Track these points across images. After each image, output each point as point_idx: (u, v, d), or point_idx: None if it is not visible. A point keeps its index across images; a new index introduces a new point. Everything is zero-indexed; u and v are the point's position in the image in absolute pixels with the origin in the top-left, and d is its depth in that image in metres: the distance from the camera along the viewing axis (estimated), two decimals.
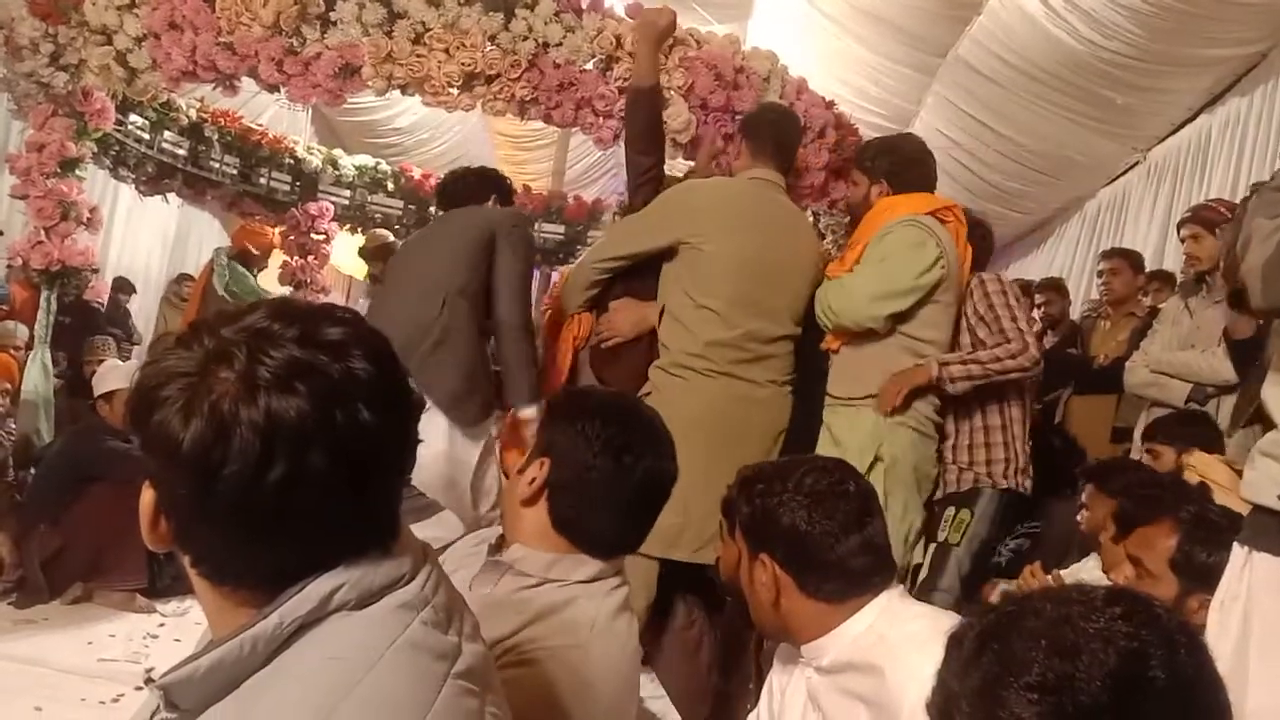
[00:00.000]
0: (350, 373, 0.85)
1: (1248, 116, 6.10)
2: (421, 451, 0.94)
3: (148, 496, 0.88)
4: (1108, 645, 0.84)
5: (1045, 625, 0.87)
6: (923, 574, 2.92)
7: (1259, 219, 1.43)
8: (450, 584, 1.00)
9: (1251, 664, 1.40)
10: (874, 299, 2.80)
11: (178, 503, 0.85)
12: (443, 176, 3.95)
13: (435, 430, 2.96)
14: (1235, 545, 1.56)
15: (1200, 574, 1.82)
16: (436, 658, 0.89)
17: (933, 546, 2.93)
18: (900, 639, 1.50)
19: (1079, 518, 2.85)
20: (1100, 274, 4.78)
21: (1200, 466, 2.53)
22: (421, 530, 2.21)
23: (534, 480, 1.54)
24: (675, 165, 4.11)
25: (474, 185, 3.61)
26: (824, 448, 2.85)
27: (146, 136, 6.27)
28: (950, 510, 2.94)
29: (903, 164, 3.04)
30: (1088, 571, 2.83)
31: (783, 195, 3.07)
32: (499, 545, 1.60)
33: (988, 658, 0.88)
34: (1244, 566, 1.50)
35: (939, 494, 2.99)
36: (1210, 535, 1.84)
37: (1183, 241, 3.78)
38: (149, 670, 3.34)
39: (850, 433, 2.82)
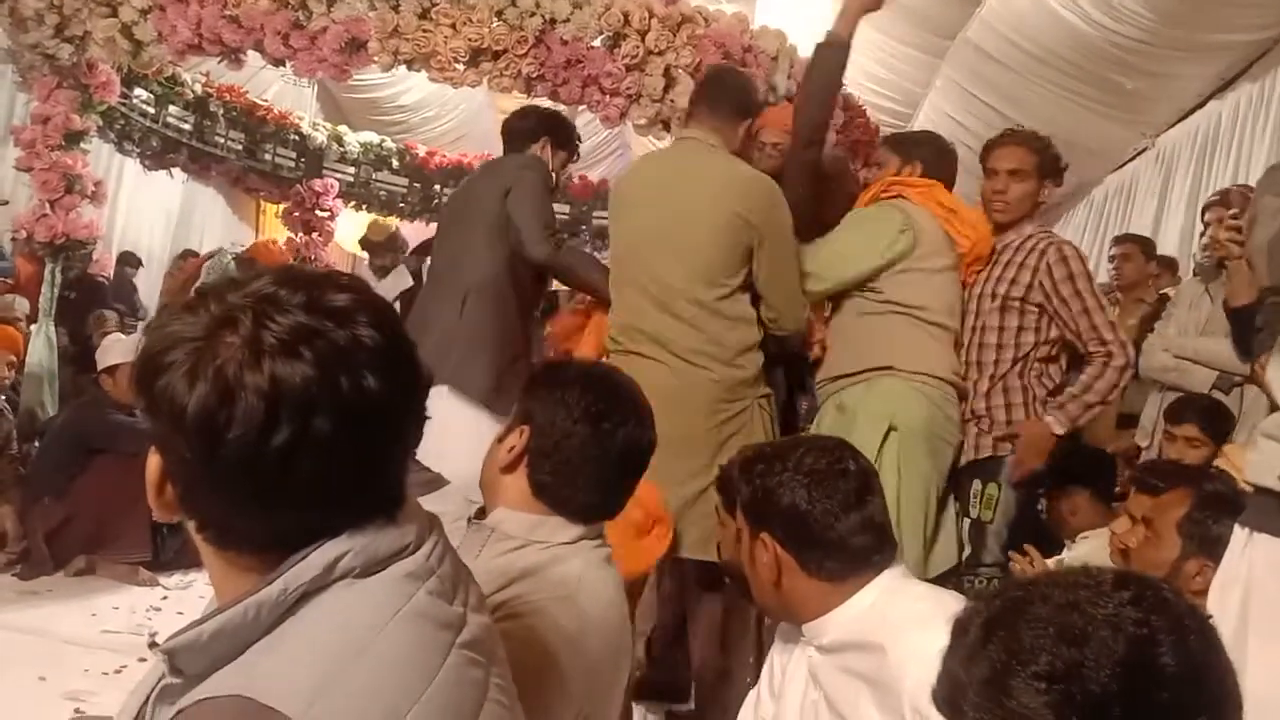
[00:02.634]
0: (356, 339, 0.85)
1: (1259, 103, 6.06)
2: (464, 445, 0.93)
3: (153, 462, 0.88)
4: (1117, 632, 0.83)
5: (1052, 611, 0.86)
6: (966, 551, 2.90)
7: (1266, 197, 1.43)
8: (455, 555, 0.99)
9: (1251, 645, 1.41)
10: (822, 267, 2.82)
11: (183, 467, 0.85)
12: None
13: (476, 423, 2.89)
14: (1236, 527, 1.57)
15: (1204, 541, 1.86)
16: (441, 627, 0.89)
17: (966, 523, 2.90)
18: (902, 618, 1.50)
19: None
20: (1112, 259, 4.76)
21: (1234, 458, 2.55)
22: (425, 505, 2.23)
23: (513, 448, 1.55)
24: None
25: (525, 127, 3.41)
26: (828, 425, 2.81)
27: (151, 110, 6.26)
28: (977, 485, 2.88)
29: (938, 154, 3.04)
30: (1086, 555, 2.84)
31: (699, 148, 2.84)
32: (480, 515, 1.61)
33: (994, 646, 0.87)
34: (1245, 548, 1.51)
35: (962, 459, 2.92)
36: (1221, 507, 1.86)
37: (1206, 226, 3.76)
38: (153, 634, 3.36)
39: (861, 402, 2.77)
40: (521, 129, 3.39)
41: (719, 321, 2.72)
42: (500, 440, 1.59)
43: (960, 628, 0.95)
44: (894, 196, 2.91)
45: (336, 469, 0.85)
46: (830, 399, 2.89)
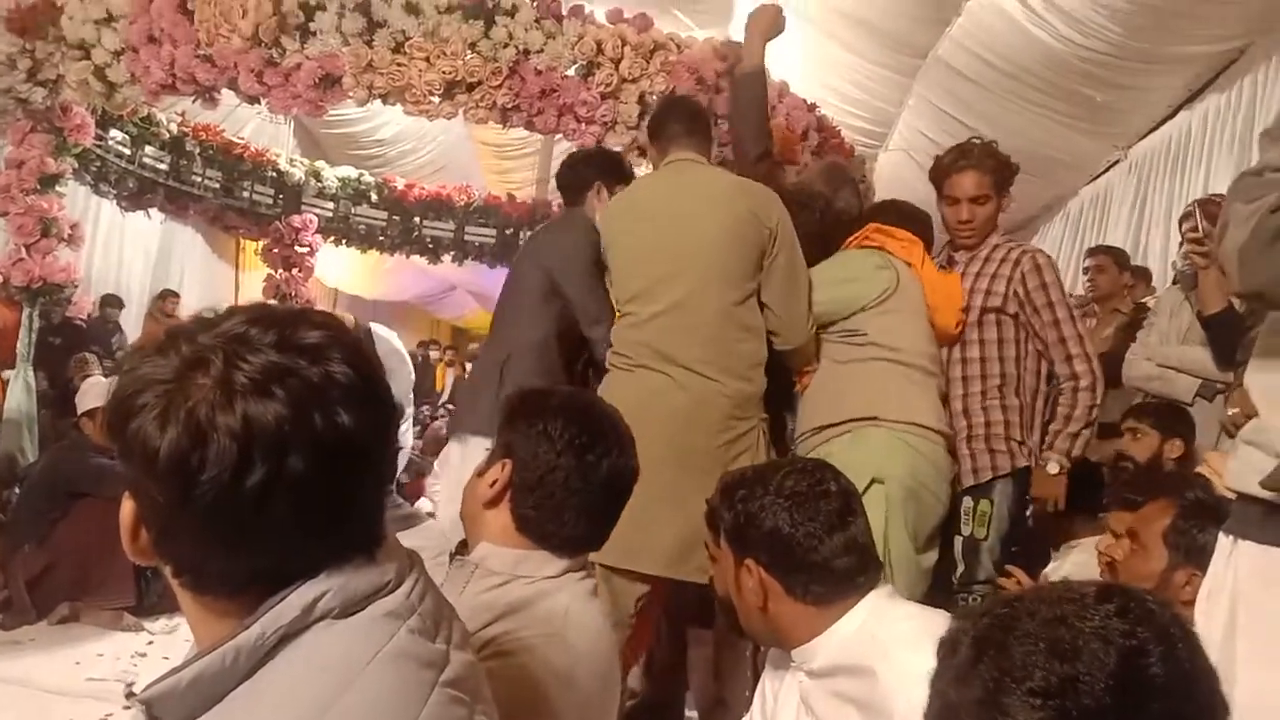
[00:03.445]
0: (329, 376, 0.84)
1: (1226, 113, 6.14)
2: None
3: (127, 507, 0.87)
4: (1107, 644, 0.84)
5: (1041, 626, 0.87)
6: (959, 570, 2.88)
7: (1236, 204, 1.43)
8: (437, 591, 0.98)
9: (1240, 653, 1.40)
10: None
11: (157, 511, 0.84)
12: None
13: None
14: (1221, 535, 1.56)
15: (1190, 550, 1.86)
16: (423, 666, 0.88)
17: (959, 540, 2.89)
18: (891, 639, 1.49)
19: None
20: (1086, 271, 4.79)
21: (1214, 464, 2.56)
22: (404, 540, 2.21)
23: (495, 482, 1.54)
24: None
25: (575, 178, 3.35)
26: None
27: (127, 151, 6.25)
28: (968, 502, 2.85)
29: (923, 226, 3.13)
30: (1070, 567, 2.84)
31: (697, 165, 2.82)
32: (460, 550, 1.60)
33: (985, 665, 0.87)
34: (1230, 556, 1.50)
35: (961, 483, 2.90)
36: (1206, 515, 1.87)
37: (1184, 236, 3.79)
38: (129, 685, 3.32)
39: (846, 454, 2.70)
40: (573, 183, 3.35)
41: (734, 330, 2.66)
42: (481, 474, 1.58)
43: (948, 647, 0.94)
44: (876, 246, 2.92)
45: (312, 508, 0.84)
46: (813, 452, 2.76)
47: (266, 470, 0.80)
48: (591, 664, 1.47)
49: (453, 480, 3.24)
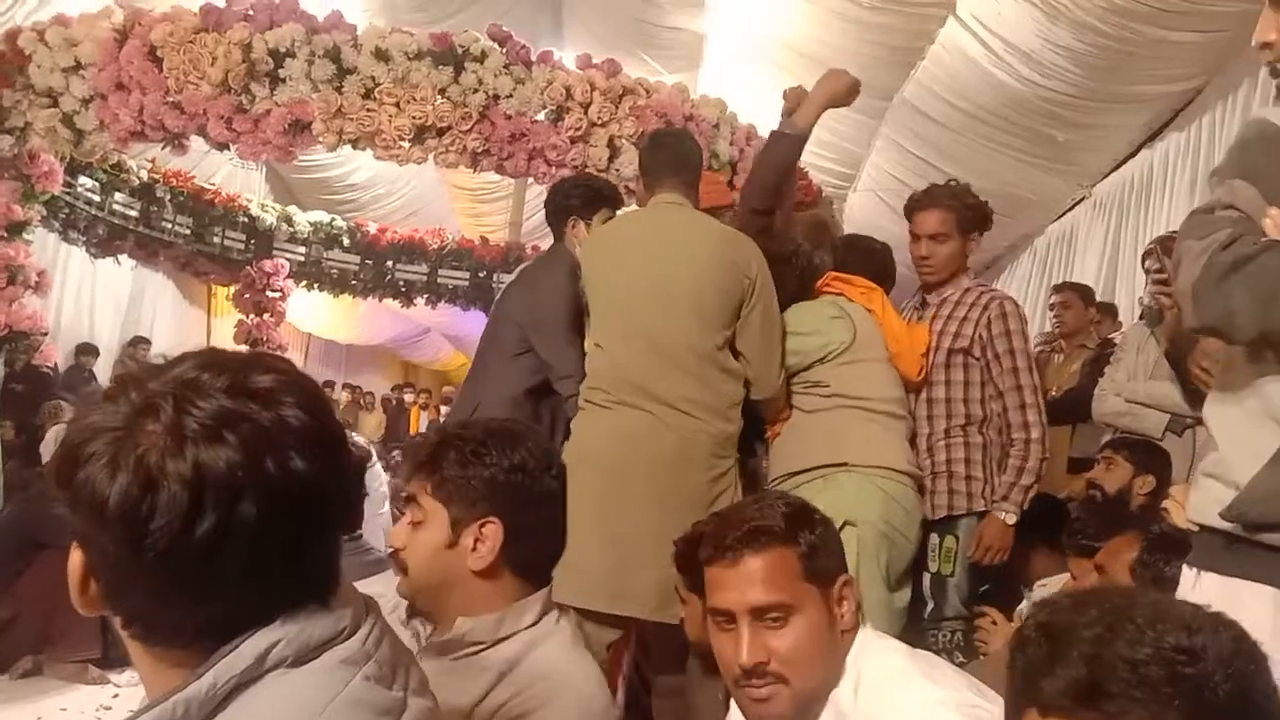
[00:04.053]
0: (282, 421, 0.83)
1: (1186, 150, 6.27)
2: None
3: (76, 558, 0.85)
4: (1216, 628, 0.88)
5: (1155, 604, 0.91)
6: (929, 606, 2.88)
7: (1188, 241, 1.46)
8: (395, 637, 0.97)
9: None
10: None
11: (107, 561, 0.83)
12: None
13: None
14: (1185, 568, 1.58)
15: (1157, 582, 1.88)
16: (379, 713, 0.86)
17: (927, 577, 2.89)
18: (879, 678, 1.48)
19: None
20: (1052, 307, 4.85)
21: (1178, 497, 2.58)
22: (374, 585, 2.18)
23: (486, 545, 1.46)
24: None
25: (555, 210, 3.30)
26: None
27: (97, 198, 6.23)
28: (934, 539, 2.87)
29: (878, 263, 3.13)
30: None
31: (682, 209, 2.84)
32: (410, 614, 1.55)
33: (1122, 626, 0.88)
34: (1193, 588, 1.51)
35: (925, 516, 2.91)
36: (1171, 548, 1.89)
37: (1147, 273, 3.85)
38: None
39: (817, 500, 2.70)
40: (553, 214, 3.33)
41: (715, 372, 2.67)
42: (451, 546, 1.47)
43: (1065, 619, 0.92)
44: (835, 293, 2.96)
45: (265, 555, 0.83)
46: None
47: (218, 517, 0.79)
48: (593, 705, 1.46)
49: None
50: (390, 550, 1.52)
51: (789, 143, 2.95)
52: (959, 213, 2.99)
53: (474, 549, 1.46)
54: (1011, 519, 2.80)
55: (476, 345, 3.40)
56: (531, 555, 1.50)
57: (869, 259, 3.14)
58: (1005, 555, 2.81)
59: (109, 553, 0.82)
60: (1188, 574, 1.56)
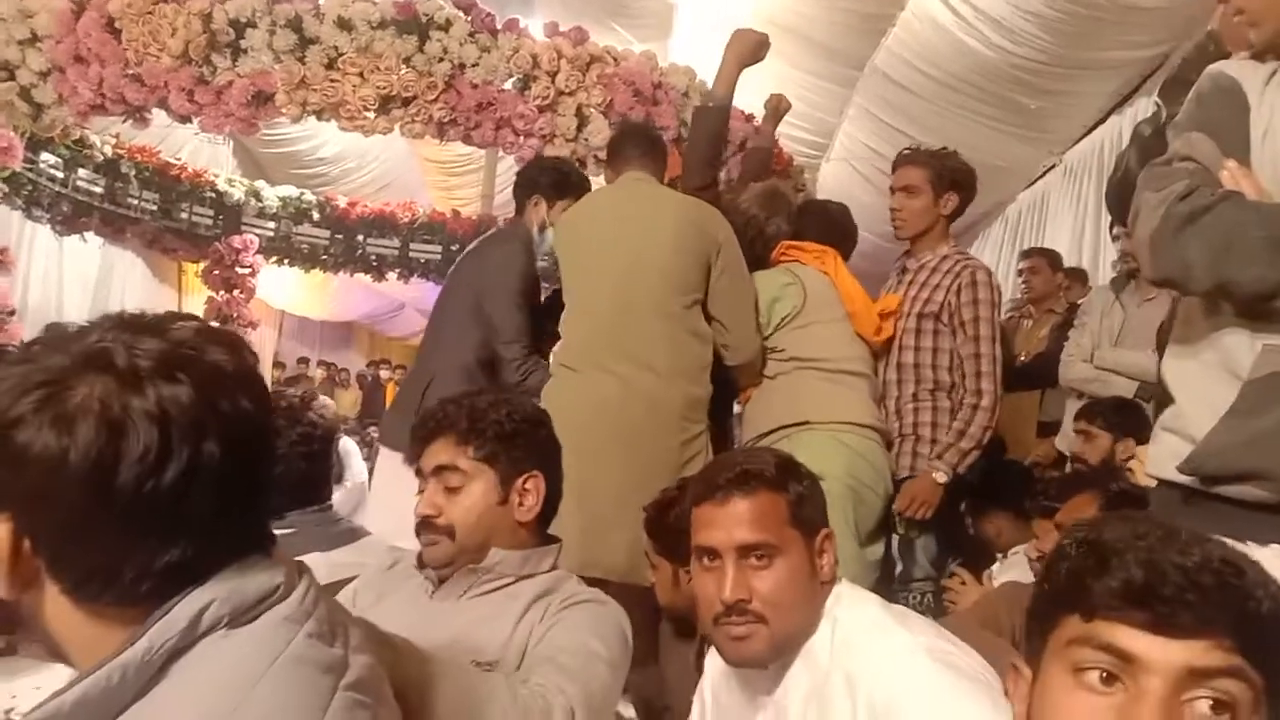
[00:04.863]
0: (218, 365, 0.83)
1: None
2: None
3: (4, 531, 0.80)
4: (1246, 555, 0.91)
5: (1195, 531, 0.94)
6: (898, 567, 2.92)
7: (1146, 193, 1.46)
8: (332, 600, 0.96)
9: None
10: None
11: (59, 522, 0.79)
12: None
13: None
14: None
15: None
16: (323, 671, 0.86)
17: (896, 539, 2.92)
18: (854, 628, 1.49)
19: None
20: (1020, 273, 4.88)
21: (1142, 456, 2.59)
22: (344, 554, 2.18)
23: (534, 497, 1.62)
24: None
25: (520, 187, 3.31)
26: None
27: (60, 175, 6.14)
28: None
29: (827, 223, 3.17)
30: (1013, 569, 2.88)
31: (648, 183, 2.91)
32: (420, 562, 1.64)
33: (1173, 537, 0.91)
34: None
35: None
36: (1130, 505, 1.91)
37: (1115, 239, 3.87)
38: (8, 711, 3.21)
39: None
40: (519, 189, 3.32)
41: (683, 334, 2.72)
42: (503, 503, 1.61)
43: (1113, 533, 0.94)
44: (791, 260, 2.98)
45: (228, 496, 0.82)
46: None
47: (187, 457, 0.78)
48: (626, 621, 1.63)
49: (381, 494, 3.26)
50: (422, 518, 1.59)
51: (712, 115, 3.00)
52: (934, 170, 3.01)
53: (520, 503, 1.61)
54: (942, 478, 2.81)
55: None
56: (554, 501, 1.67)
57: (824, 222, 3.17)
58: (929, 511, 2.82)
59: (65, 511, 0.78)
60: None
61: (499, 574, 1.57)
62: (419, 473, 1.64)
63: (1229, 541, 1.31)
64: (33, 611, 0.85)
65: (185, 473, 0.78)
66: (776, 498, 1.51)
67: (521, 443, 1.62)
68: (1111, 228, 3.93)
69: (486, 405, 1.63)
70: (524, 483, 1.61)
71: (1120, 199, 1.89)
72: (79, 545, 0.80)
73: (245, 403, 0.83)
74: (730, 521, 1.50)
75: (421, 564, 1.63)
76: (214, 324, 0.91)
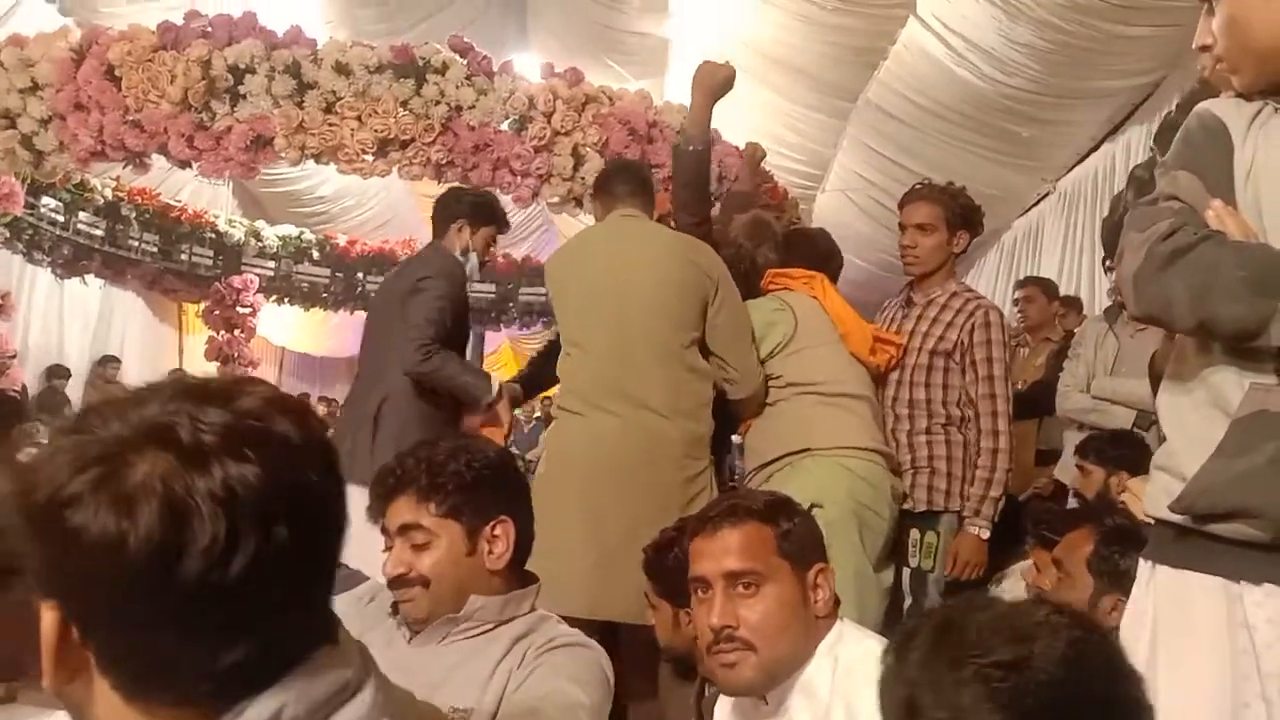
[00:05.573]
0: (286, 438, 0.75)
1: (1147, 143, 6.34)
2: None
3: (51, 619, 0.73)
4: (1055, 631, 0.95)
5: (996, 617, 0.98)
6: (908, 601, 2.90)
7: (1131, 232, 1.48)
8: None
9: (1160, 678, 1.42)
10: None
11: (116, 614, 0.71)
12: None
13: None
14: (1141, 561, 1.59)
15: (1114, 576, 1.90)
16: None
17: (907, 572, 2.91)
18: (856, 661, 1.50)
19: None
20: (1016, 302, 4.90)
21: (1136, 491, 2.60)
22: (341, 602, 2.18)
23: (504, 544, 1.58)
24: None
25: (444, 213, 3.34)
26: None
27: (61, 218, 6.19)
28: (915, 535, 2.88)
29: (815, 251, 3.18)
30: (1009, 592, 2.87)
31: (640, 220, 2.91)
32: (394, 610, 1.62)
33: (948, 645, 0.96)
34: (1149, 582, 1.53)
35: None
36: (1126, 541, 1.91)
37: (1108, 272, 3.88)
38: None
39: (784, 488, 2.73)
40: (441, 213, 3.35)
41: (683, 373, 2.72)
42: (471, 554, 1.57)
43: (904, 638, 1.03)
44: (780, 289, 2.99)
45: (297, 583, 0.75)
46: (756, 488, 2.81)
47: (255, 542, 0.70)
48: (605, 662, 1.58)
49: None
50: (395, 576, 1.57)
51: (690, 157, 2.98)
52: (948, 208, 3.02)
53: (490, 550, 1.57)
54: (985, 534, 2.82)
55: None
56: (526, 542, 1.62)
57: (810, 246, 3.20)
58: (982, 570, 2.84)
59: (119, 601, 0.70)
60: (1144, 567, 1.58)
61: (479, 620, 1.55)
62: (384, 530, 1.61)
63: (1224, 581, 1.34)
64: (81, 704, 0.77)
65: (253, 562, 0.70)
66: (763, 528, 1.55)
67: (485, 491, 1.58)
68: (1104, 260, 3.95)
69: (445, 457, 1.59)
70: (492, 530, 1.57)
71: (1115, 239, 1.92)
72: (132, 639, 0.73)
73: (314, 478, 0.76)
74: (718, 551, 1.55)
75: (396, 611, 1.62)
76: (279, 392, 0.82)
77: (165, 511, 0.68)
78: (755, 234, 3.11)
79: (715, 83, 3.03)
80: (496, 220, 3.37)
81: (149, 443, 0.70)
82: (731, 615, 1.51)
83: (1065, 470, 3.90)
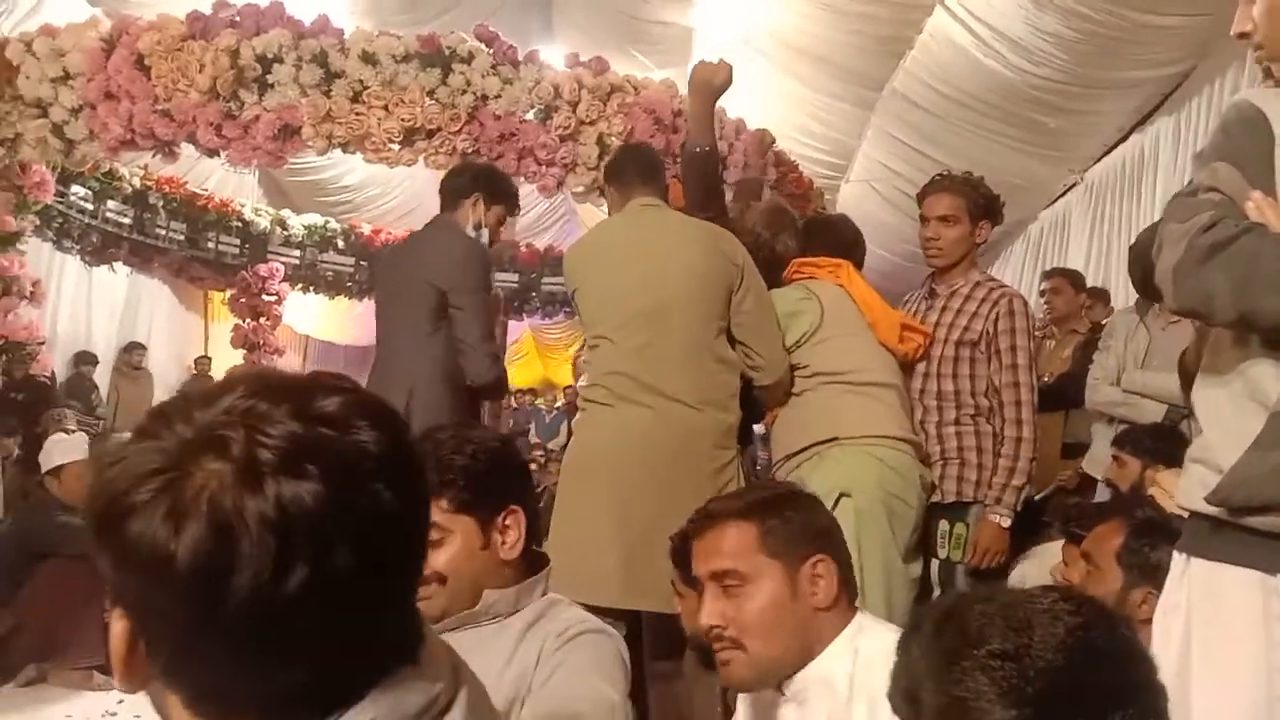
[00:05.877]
0: (360, 447, 0.70)
1: (1175, 133, 6.29)
2: None
3: (120, 628, 0.71)
4: (1055, 619, 0.94)
5: (997, 607, 0.97)
6: (935, 593, 2.89)
7: (1170, 224, 1.47)
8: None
9: (1194, 671, 1.42)
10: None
11: (169, 629, 0.69)
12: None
13: None
14: (1175, 554, 1.59)
15: (1144, 569, 1.88)
16: None
17: (935, 563, 2.90)
18: (877, 653, 1.50)
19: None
20: (1043, 293, 4.87)
21: (1165, 484, 2.57)
22: None
23: (515, 533, 1.57)
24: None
25: (457, 184, 3.27)
26: None
27: (90, 206, 6.24)
28: (944, 526, 2.86)
29: (838, 238, 3.15)
30: (1030, 573, 2.86)
31: (661, 209, 2.89)
32: None
33: (947, 636, 0.97)
34: (1183, 575, 1.52)
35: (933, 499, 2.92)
36: (1156, 534, 1.90)
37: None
38: None
39: (812, 478, 2.73)
40: (454, 186, 3.30)
41: (712, 363, 2.71)
42: (485, 547, 1.56)
43: (911, 629, 1.04)
44: (805, 277, 2.97)
45: (360, 608, 0.71)
46: (783, 477, 2.80)
47: (311, 566, 0.67)
48: (620, 645, 1.57)
49: None
50: None
51: (698, 159, 2.96)
52: (970, 199, 3.00)
53: (503, 541, 1.56)
54: (1006, 522, 2.80)
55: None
56: (534, 528, 1.62)
57: (832, 233, 3.17)
58: (1003, 557, 2.82)
59: (173, 618, 0.69)
60: (1178, 559, 1.57)
61: (494, 613, 1.55)
62: None
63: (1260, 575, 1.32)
64: (160, 706, 0.75)
65: (308, 585, 0.66)
66: (745, 527, 1.56)
67: (494, 480, 1.57)
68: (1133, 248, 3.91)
69: (450, 450, 1.56)
70: (503, 520, 1.56)
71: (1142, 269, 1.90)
72: (187, 659, 0.71)
73: (385, 494, 0.70)
74: (703, 551, 1.59)
75: None
76: (364, 395, 0.77)
77: (212, 531, 0.66)
78: (773, 222, 3.10)
79: (713, 84, 3.02)
80: (507, 199, 3.33)
81: (208, 451, 0.68)
82: (719, 615, 1.53)
83: (1094, 463, 3.87)
